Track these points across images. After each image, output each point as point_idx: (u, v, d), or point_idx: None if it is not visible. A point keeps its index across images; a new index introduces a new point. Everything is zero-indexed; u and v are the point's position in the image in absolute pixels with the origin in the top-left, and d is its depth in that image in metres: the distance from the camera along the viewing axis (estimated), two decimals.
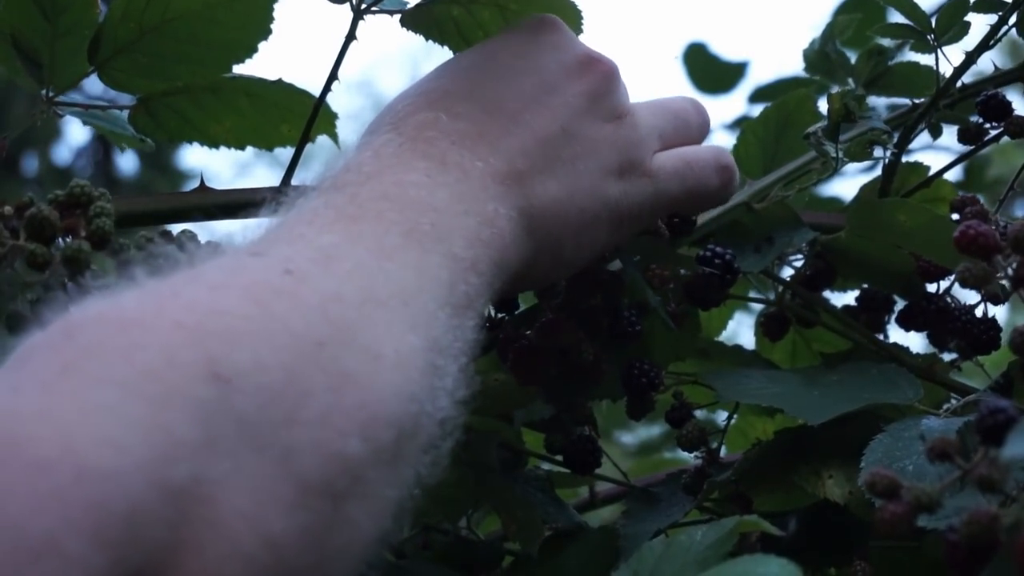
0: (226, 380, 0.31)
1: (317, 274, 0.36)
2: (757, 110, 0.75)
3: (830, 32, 0.74)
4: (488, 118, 0.45)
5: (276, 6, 0.56)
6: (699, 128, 0.53)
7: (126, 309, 0.33)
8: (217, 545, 0.30)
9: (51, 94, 0.58)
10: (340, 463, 0.33)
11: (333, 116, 0.62)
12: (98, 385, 0.29)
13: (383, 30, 0.54)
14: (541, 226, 0.45)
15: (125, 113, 0.60)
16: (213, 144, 0.62)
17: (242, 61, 0.57)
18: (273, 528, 0.31)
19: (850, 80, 0.72)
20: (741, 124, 0.79)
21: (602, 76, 0.48)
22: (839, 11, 1.00)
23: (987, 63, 0.61)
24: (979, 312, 0.57)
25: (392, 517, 0.35)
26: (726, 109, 1.20)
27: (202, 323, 0.32)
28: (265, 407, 0.32)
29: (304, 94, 0.60)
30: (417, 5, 0.53)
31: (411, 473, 0.36)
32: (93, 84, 0.58)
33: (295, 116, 0.60)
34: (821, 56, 0.75)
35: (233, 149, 0.62)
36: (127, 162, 4.42)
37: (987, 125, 0.61)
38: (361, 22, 0.53)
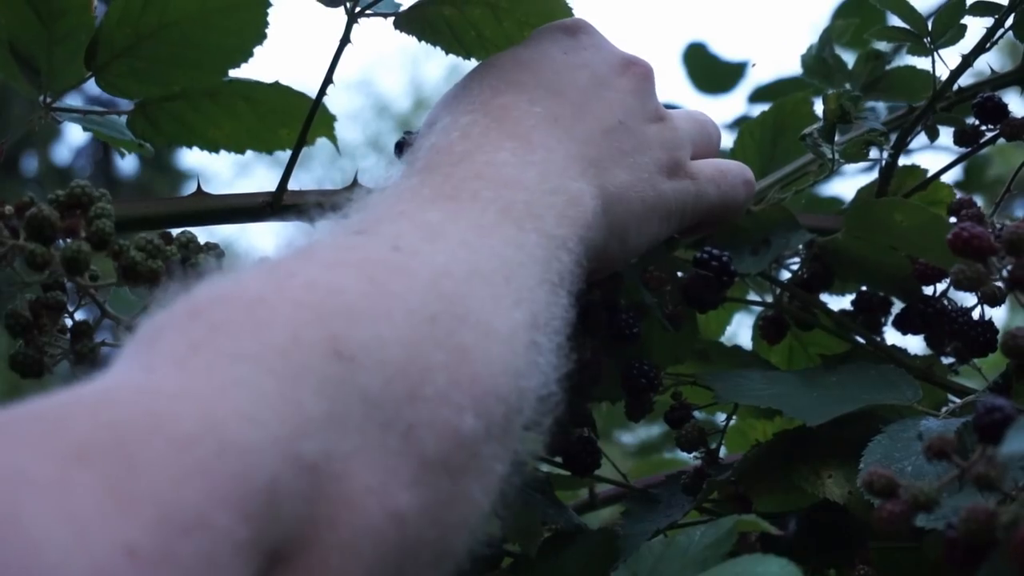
0: (349, 357, 0.32)
1: (426, 250, 0.37)
2: (757, 110, 0.75)
3: (827, 37, 0.74)
4: (558, 105, 0.47)
5: (272, 11, 0.56)
6: (717, 141, 0.55)
7: (248, 289, 0.33)
8: (350, 520, 0.30)
9: (49, 99, 0.57)
10: (456, 438, 0.33)
11: (331, 119, 0.62)
12: (231, 361, 0.30)
13: (383, 31, 0.54)
14: (613, 211, 0.46)
15: (123, 118, 0.60)
16: (213, 148, 0.62)
17: (238, 65, 0.57)
18: (398, 503, 0.31)
19: (847, 85, 0.72)
20: (740, 124, 0.79)
21: (643, 76, 0.50)
22: (837, 15, 1.00)
23: (983, 66, 0.62)
24: (976, 314, 0.57)
25: (499, 493, 0.36)
26: (726, 109, 1.20)
27: (323, 302, 0.33)
28: (388, 384, 0.32)
29: (302, 97, 0.60)
30: (410, 7, 0.53)
31: (515, 450, 0.36)
32: (92, 84, 0.58)
33: (293, 120, 0.60)
34: (819, 61, 0.75)
35: (233, 153, 0.62)
36: (127, 162, 4.44)
37: (983, 127, 0.61)
38: (356, 25, 0.53)
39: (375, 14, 0.53)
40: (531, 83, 0.48)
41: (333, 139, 0.62)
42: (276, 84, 0.59)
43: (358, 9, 0.53)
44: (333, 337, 0.32)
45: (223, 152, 0.62)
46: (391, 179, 0.43)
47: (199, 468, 0.27)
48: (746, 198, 0.54)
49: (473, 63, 0.54)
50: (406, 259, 0.36)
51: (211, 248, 0.48)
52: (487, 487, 0.35)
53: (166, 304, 0.33)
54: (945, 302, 0.59)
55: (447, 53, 0.54)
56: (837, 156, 0.58)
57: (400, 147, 0.55)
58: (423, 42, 0.53)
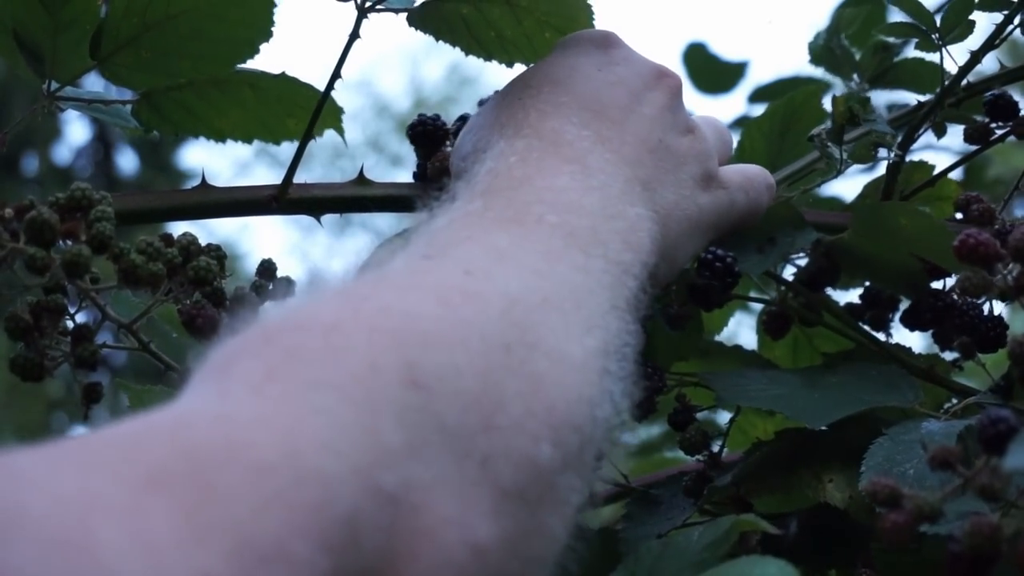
0: (426, 386, 0.31)
1: (497, 275, 0.37)
2: (757, 110, 0.75)
3: (835, 26, 0.73)
4: (603, 127, 0.46)
5: (280, 3, 0.55)
6: (731, 146, 0.55)
7: (322, 314, 0.33)
8: (430, 553, 0.30)
9: (52, 88, 0.57)
10: (533, 469, 0.33)
11: (339, 111, 0.61)
12: (308, 388, 0.29)
13: (384, 30, 0.53)
14: (664, 232, 0.46)
15: (128, 108, 0.60)
16: (219, 138, 0.60)
17: (244, 60, 0.56)
18: (478, 536, 0.31)
19: (855, 75, 0.72)
20: (740, 124, 0.79)
21: (674, 89, 0.50)
22: (843, 7, 0.99)
23: (989, 61, 0.61)
24: (985, 309, 0.57)
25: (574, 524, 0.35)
26: (726, 109, 1.19)
27: (399, 327, 0.32)
28: (464, 413, 0.32)
29: (308, 88, 0.59)
30: (425, 3, 0.52)
31: (588, 479, 0.36)
32: (93, 84, 0.58)
33: (300, 110, 0.59)
34: (826, 50, 0.74)
35: (240, 143, 0.61)
36: (127, 162, 4.44)
37: (993, 125, 0.61)
38: (365, 20, 0.52)
39: (386, 9, 0.52)
40: (572, 104, 0.47)
41: (341, 131, 0.61)
42: (283, 75, 0.58)
43: (368, 4, 0.52)
44: (410, 365, 0.31)
45: (226, 149, 0.61)
46: (449, 202, 0.42)
47: (278, 497, 0.26)
48: (768, 203, 0.54)
49: (494, 65, 0.53)
50: (479, 284, 0.36)
51: (212, 250, 0.48)
52: (565, 518, 0.34)
53: (238, 330, 0.32)
54: (955, 296, 0.59)
55: (466, 54, 0.53)
56: (845, 157, 0.57)
57: (413, 130, 0.55)
58: (439, 40, 0.53)
